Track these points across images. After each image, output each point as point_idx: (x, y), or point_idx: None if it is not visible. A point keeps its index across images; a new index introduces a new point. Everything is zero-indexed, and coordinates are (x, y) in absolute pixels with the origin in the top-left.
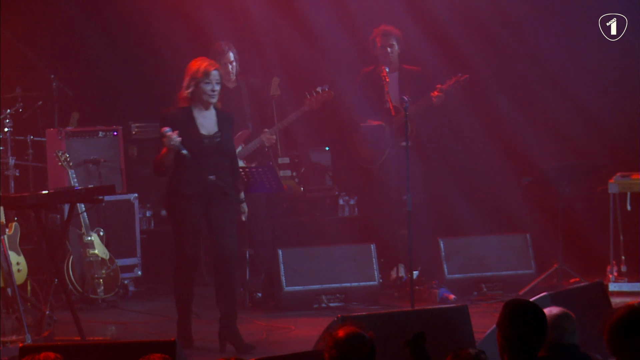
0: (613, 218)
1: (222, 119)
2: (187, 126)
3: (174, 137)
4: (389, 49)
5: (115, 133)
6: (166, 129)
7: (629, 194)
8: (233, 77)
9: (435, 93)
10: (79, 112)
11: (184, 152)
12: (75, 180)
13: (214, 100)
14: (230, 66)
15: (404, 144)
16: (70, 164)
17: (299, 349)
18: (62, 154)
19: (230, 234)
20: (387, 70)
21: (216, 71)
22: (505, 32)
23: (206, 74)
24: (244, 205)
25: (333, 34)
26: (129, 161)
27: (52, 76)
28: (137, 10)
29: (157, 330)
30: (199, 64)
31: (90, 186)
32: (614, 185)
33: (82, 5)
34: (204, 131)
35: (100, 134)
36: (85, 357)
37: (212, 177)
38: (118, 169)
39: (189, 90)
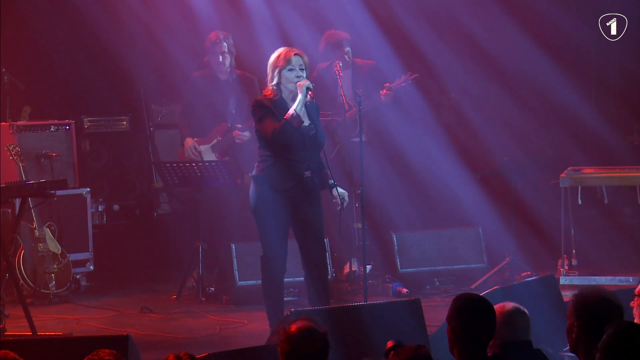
0: (564, 212)
1: (310, 109)
2: (282, 117)
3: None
4: (346, 58)
5: (67, 127)
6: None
7: (580, 188)
8: (226, 69)
9: (384, 92)
10: (30, 106)
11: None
12: (27, 174)
13: None
14: (221, 57)
15: (357, 139)
16: (22, 158)
17: (252, 344)
18: (14, 148)
19: (322, 237)
20: (340, 64)
21: (297, 56)
22: (457, 27)
23: (287, 60)
24: (338, 189)
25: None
26: (81, 155)
27: (4, 70)
28: (89, 4)
29: (110, 324)
30: (278, 53)
31: (42, 180)
32: (566, 179)
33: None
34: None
35: (52, 128)
36: (37, 353)
37: (308, 173)
38: (70, 163)
39: (274, 82)
